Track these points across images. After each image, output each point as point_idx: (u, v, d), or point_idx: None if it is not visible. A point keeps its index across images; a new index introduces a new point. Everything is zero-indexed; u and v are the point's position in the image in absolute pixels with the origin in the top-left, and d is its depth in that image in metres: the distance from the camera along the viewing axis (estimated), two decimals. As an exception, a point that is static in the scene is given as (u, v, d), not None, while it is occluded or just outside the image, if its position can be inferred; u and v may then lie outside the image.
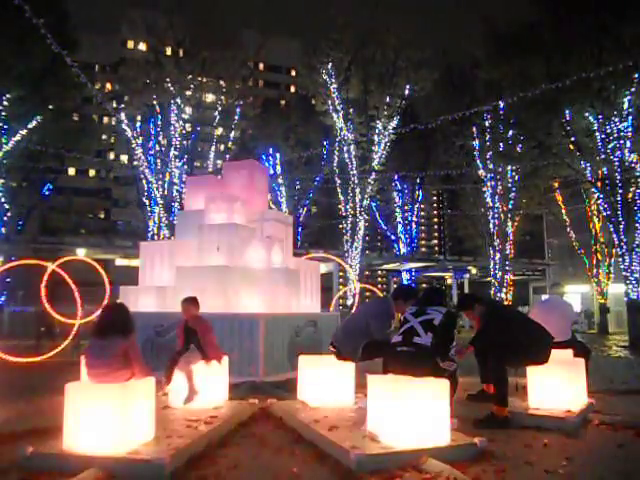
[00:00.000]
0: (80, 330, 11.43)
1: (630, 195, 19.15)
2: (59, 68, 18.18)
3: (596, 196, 21.09)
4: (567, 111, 19.71)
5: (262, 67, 61.49)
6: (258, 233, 9.07)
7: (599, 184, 20.13)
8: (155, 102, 26.01)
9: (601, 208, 20.91)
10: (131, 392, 3.74)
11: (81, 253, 25.52)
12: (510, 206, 25.94)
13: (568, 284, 31.91)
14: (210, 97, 30.04)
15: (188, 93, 27.37)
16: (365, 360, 5.31)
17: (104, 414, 3.56)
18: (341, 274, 33.42)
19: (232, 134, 28.16)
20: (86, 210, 48.17)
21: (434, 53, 29.32)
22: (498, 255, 26.73)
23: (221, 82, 28.17)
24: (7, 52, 19.09)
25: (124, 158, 29.67)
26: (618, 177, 18.94)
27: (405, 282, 33.47)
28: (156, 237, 26.73)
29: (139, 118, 27.08)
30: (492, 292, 27.03)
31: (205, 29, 27.01)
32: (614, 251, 22.10)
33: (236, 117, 27.66)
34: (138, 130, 26.12)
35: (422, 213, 34.78)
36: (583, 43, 18.12)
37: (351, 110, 28.37)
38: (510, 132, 24.40)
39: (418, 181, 30.45)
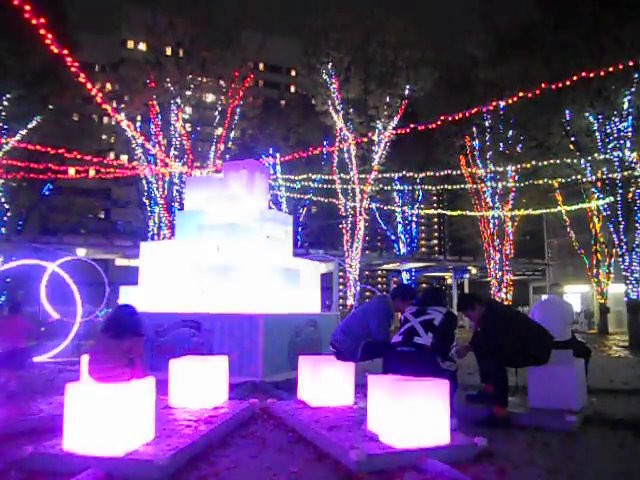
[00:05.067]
0: (80, 330, 11.43)
1: (630, 195, 19.14)
2: (59, 68, 18.18)
3: (596, 196, 21.09)
4: (567, 111, 19.70)
5: (262, 67, 61.47)
6: (258, 233, 9.07)
7: (599, 184, 20.13)
8: (155, 102, 26.00)
9: (601, 208, 20.92)
10: (131, 392, 3.74)
11: (81, 253, 25.53)
12: (510, 206, 25.95)
13: (568, 284, 31.94)
14: (210, 97, 30.02)
15: (188, 93, 27.35)
16: (365, 360, 5.31)
17: (104, 414, 3.55)
18: (341, 274, 33.42)
19: (232, 134, 28.15)
20: (86, 210, 48.11)
21: (434, 53, 29.34)
22: (498, 255, 26.73)
23: (221, 82, 28.15)
24: (7, 52, 19.08)
25: (124, 158, 29.63)
26: (618, 177, 18.94)
27: (405, 282, 33.48)
28: (156, 237, 26.71)
29: (139, 118, 27.06)
30: (492, 292, 27.02)
31: (205, 29, 26.97)
32: (614, 251, 22.08)
33: (236, 117, 27.66)
34: (138, 130, 26.12)
35: (422, 213, 34.75)
36: (583, 43, 18.11)
37: (351, 110, 28.37)
38: (510, 132, 24.42)
39: (418, 181, 30.44)
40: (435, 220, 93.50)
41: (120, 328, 4.17)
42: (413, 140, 27.97)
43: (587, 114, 19.36)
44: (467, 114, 16.66)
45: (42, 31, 8.64)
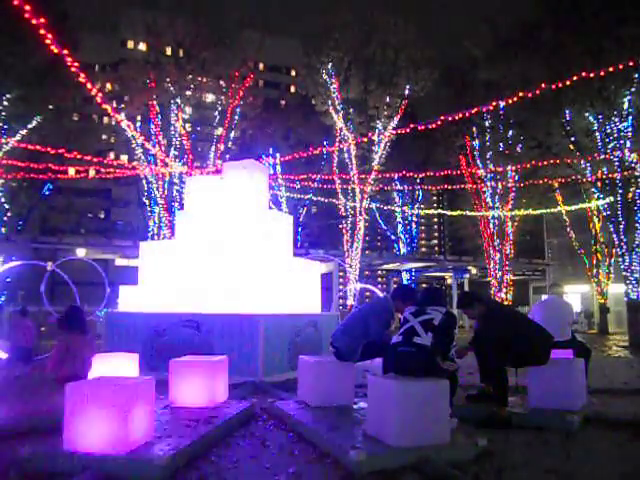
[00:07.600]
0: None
1: (630, 195, 19.14)
2: (59, 68, 18.21)
3: (596, 196, 21.09)
4: (567, 111, 19.71)
5: (262, 67, 61.44)
6: (258, 233, 9.06)
7: (599, 184, 20.13)
8: (155, 102, 26.00)
9: (601, 208, 20.92)
10: (131, 392, 3.74)
11: (81, 253, 25.52)
12: (510, 206, 25.94)
13: (568, 284, 31.91)
14: (210, 97, 30.02)
15: (188, 93, 27.34)
16: (365, 360, 5.30)
17: (104, 414, 3.55)
18: (341, 274, 33.39)
19: (232, 134, 28.15)
20: (86, 210, 48.16)
21: (434, 53, 29.35)
22: (498, 255, 26.72)
23: (221, 82, 28.15)
24: (7, 52, 19.07)
25: (124, 158, 29.68)
26: (618, 177, 18.94)
27: (405, 282, 33.47)
28: (156, 237, 26.71)
29: (139, 118, 27.06)
30: (492, 292, 27.01)
31: (205, 29, 26.96)
32: (614, 251, 22.09)
33: (236, 117, 27.65)
34: (138, 130, 26.10)
35: (422, 213, 34.75)
36: (583, 43, 18.12)
37: (351, 110, 28.37)
38: (510, 132, 24.42)
39: (418, 181, 30.44)
40: (435, 220, 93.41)
41: (85, 324, 4.69)
42: (413, 140, 27.98)
43: (587, 114, 19.36)
44: (467, 114, 16.67)
45: (42, 31, 8.64)
